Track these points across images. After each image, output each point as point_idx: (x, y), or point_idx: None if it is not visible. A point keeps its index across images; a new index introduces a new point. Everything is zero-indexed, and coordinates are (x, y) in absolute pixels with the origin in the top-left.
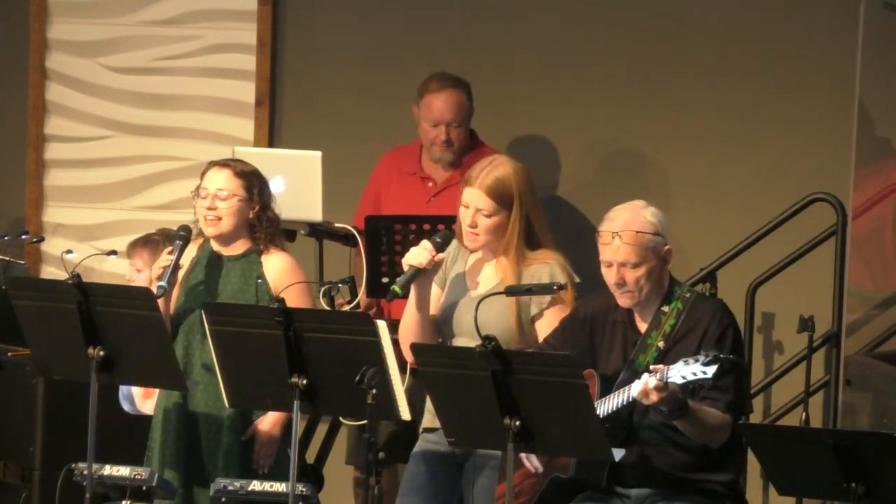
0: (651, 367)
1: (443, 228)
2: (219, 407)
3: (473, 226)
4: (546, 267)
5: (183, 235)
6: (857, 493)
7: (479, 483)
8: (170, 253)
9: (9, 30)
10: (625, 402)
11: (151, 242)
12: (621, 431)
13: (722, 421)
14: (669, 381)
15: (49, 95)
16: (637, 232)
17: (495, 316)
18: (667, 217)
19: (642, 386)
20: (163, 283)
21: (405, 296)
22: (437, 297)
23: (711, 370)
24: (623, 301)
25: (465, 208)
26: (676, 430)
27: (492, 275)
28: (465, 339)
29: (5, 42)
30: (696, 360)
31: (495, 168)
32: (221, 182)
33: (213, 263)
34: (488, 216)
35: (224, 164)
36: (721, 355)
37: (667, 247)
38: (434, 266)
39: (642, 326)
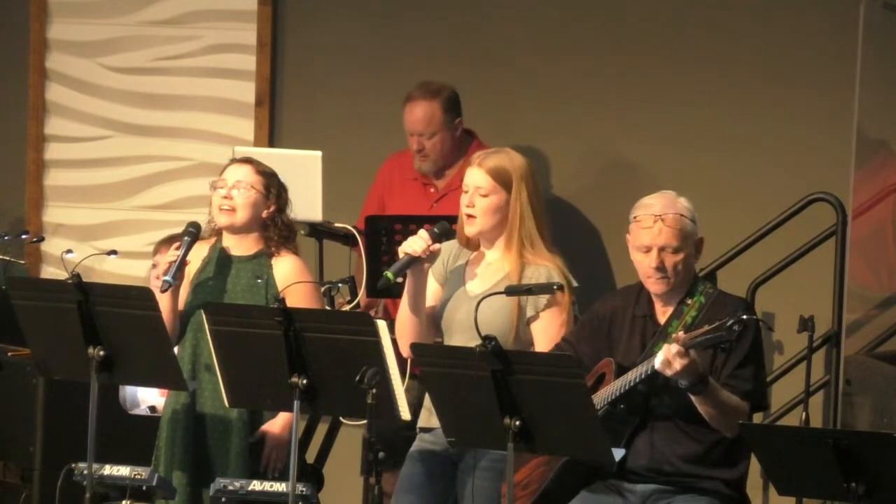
0: (673, 335)
1: None
2: (226, 408)
3: (471, 206)
4: (544, 269)
5: (192, 232)
6: (857, 493)
7: (479, 485)
8: (177, 249)
9: (9, 30)
10: (643, 376)
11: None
12: (636, 416)
13: (739, 406)
14: (691, 345)
15: (49, 95)
16: (680, 216)
17: (493, 314)
18: None
19: (664, 354)
20: (168, 279)
21: (396, 284)
22: (434, 291)
23: (734, 329)
24: (657, 287)
25: (465, 193)
26: (691, 419)
27: (492, 267)
28: (459, 337)
29: (5, 42)
30: (718, 324)
31: (499, 152)
32: (242, 174)
33: (223, 263)
34: (485, 195)
35: (247, 159)
36: (744, 316)
37: (699, 235)
38: (429, 256)
39: (662, 318)
